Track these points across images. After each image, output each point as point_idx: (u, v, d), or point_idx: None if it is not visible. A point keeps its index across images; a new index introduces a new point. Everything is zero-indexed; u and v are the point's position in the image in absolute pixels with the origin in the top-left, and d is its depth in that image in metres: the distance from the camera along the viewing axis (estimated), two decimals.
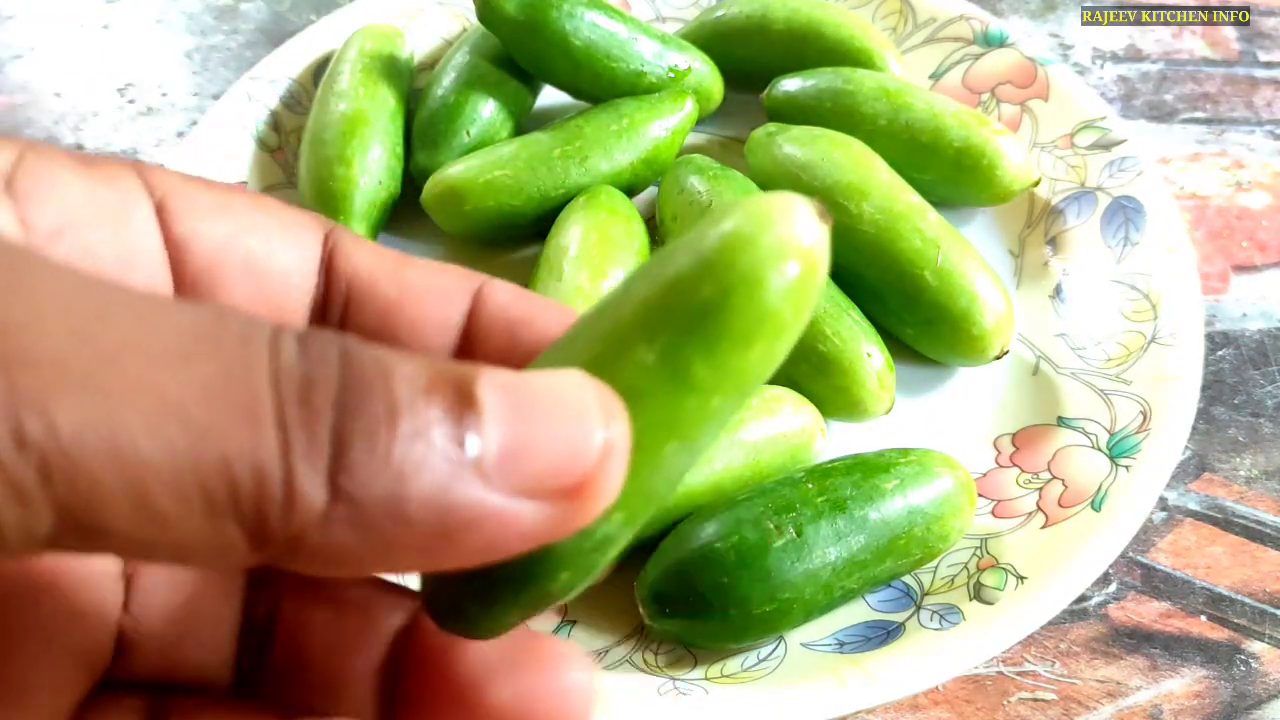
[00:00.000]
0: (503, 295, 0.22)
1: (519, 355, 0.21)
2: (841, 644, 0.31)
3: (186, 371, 0.13)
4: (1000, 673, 0.33)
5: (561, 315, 0.22)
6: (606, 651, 0.32)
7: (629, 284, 0.17)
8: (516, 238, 0.42)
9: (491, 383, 0.15)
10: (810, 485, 0.31)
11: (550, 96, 0.46)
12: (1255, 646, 0.33)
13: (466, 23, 0.48)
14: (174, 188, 0.20)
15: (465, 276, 0.22)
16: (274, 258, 0.21)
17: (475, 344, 0.22)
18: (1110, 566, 0.33)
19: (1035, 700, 0.32)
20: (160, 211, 0.20)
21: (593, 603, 0.33)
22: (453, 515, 0.14)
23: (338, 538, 0.14)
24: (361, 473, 0.13)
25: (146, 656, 0.20)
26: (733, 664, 0.31)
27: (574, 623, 0.33)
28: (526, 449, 0.15)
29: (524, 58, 0.43)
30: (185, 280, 0.20)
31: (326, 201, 0.41)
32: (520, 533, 0.15)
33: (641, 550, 0.32)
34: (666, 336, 0.17)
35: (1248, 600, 0.34)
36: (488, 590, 0.17)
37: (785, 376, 0.36)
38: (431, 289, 0.22)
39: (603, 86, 0.42)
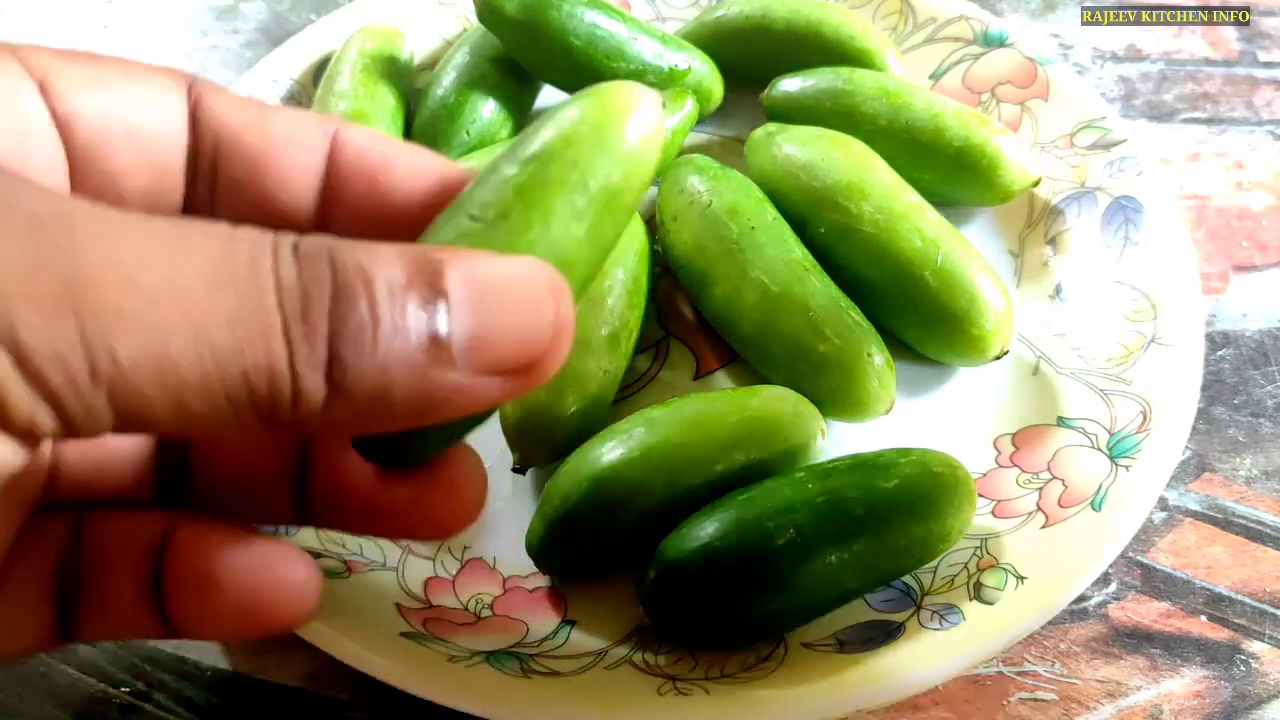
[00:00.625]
0: (359, 139, 0.24)
1: (378, 198, 0.24)
2: (841, 644, 0.31)
3: (210, 302, 0.16)
4: (1000, 673, 0.33)
5: (415, 159, 0.24)
6: (606, 651, 0.32)
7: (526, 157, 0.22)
8: None
9: (457, 273, 0.18)
10: (810, 485, 0.31)
11: (550, 96, 0.46)
12: (1255, 646, 0.33)
13: (466, 23, 0.49)
14: (51, 66, 0.22)
15: (322, 123, 0.24)
16: (148, 122, 0.22)
17: (338, 189, 0.24)
18: (1110, 566, 0.33)
19: (1035, 700, 0.32)
20: (43, 91, 0.21)
21: (593, 603, 0.33)
22: (427, 396, 0.17)
23: (335, 418, 0.17)
24: (352, 371, 0.17)
25: (71, 484, 0.23)
26: (733, 664, 0.31)
27: (574, 623, 0.33)
28: (490, 337, 0.18)
29: (524, 58, 0.43)
30: (75, 152, 0.22)
31: None
32: (483, 403, 0.18)
33: (642, 550, 0.32)
34: (591, 217, 0.22)
35: (1248, 600, 0.34)
36: (419, 437, 0.21)
37: (785, 376, 0.36)
38: (293, 139, 0.24)
39: None
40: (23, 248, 0.15)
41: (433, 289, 0.18)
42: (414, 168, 0.24)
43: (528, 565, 0.33)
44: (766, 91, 0.44)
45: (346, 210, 0.24)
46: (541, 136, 0.22)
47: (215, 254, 0.16)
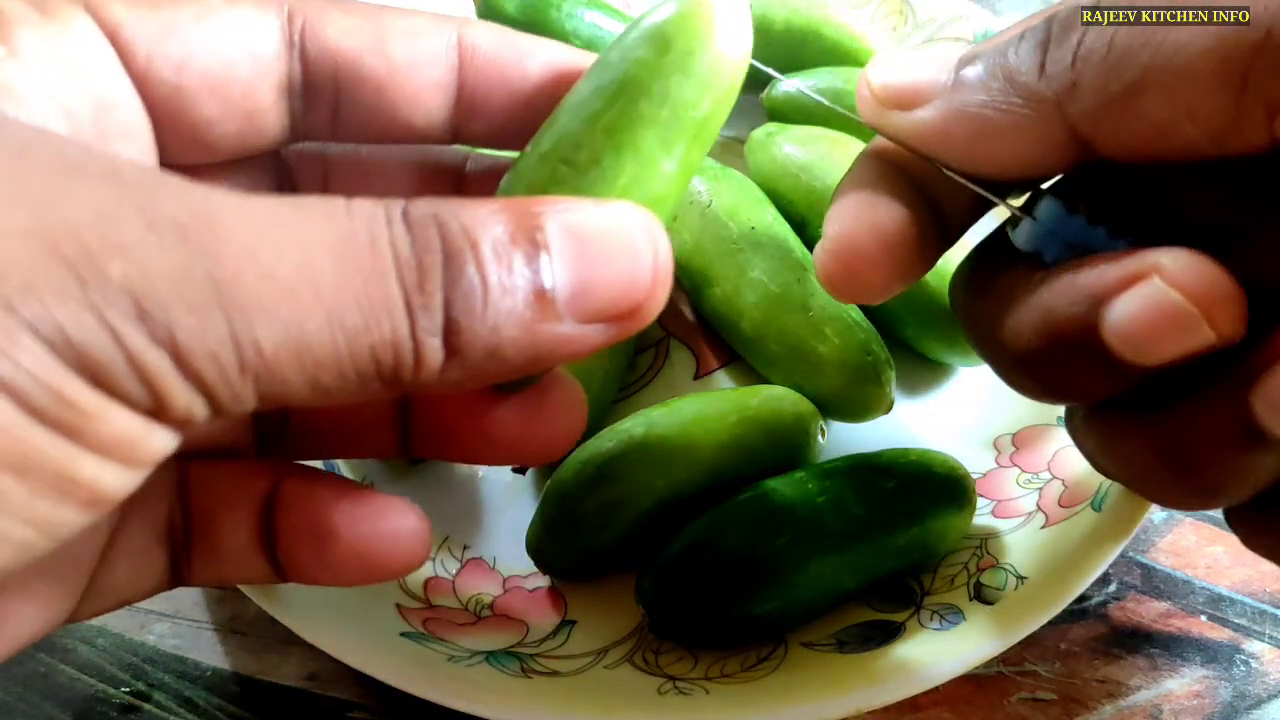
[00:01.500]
0: (486, 45, 0.24)
1: (514, 101, 0.24)
2: (841, 644, 0.31)
3: (340, 285, 0.17)
4: (1000, 673, 0.33)
5: (547, 55, 0.25)
6: (606, 651, 0.32)
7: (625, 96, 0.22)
8: None
9: (555, 225, 0.18)
10: (810, 485, 0.31)
11: None
12: (1255, 646, 0.33)
13: None
14: (123, 18, 0.21)
15: (443, 29, 0.24)
16: (233, 66, 0.22)
17: (471, 99, 0.24)
18: (1110, 566, 0.33)
19: (1035, 700, 0.32)
20: (116, 46, 0.21)
21: (593, 603, 0.33)
22: (536, 349, 0.18)
23: (451, 378, 0.18)
24: (467, 333, 0.18)
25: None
26: (733, 664, 0.30)
27: (574, 622, 0.33)
28: (591, 286, 0.19)
29: None
30: (156, 108, 0.22)
31: None
32: (587, 350, 0.19)
33: (642, 551, 0.32)
34: (681, 150, 0.22)
35: (1248, 600, 0.34)
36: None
37: (785, 376, 0.36)
38: (418, 59, 0.24)
39: None
40: (174, 255, 0.16)
41: (534, 244, 0.18)
42: (549, 65, 0.25)
43: (528, 565, 0.33)
44: (766, 91, 0.44)
45: (482, 117, 0.25)
46: (627, 62, 0.22)
47: (339, 235, 0.17)
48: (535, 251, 0.18)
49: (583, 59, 0.25)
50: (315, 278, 0.17)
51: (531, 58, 0.25)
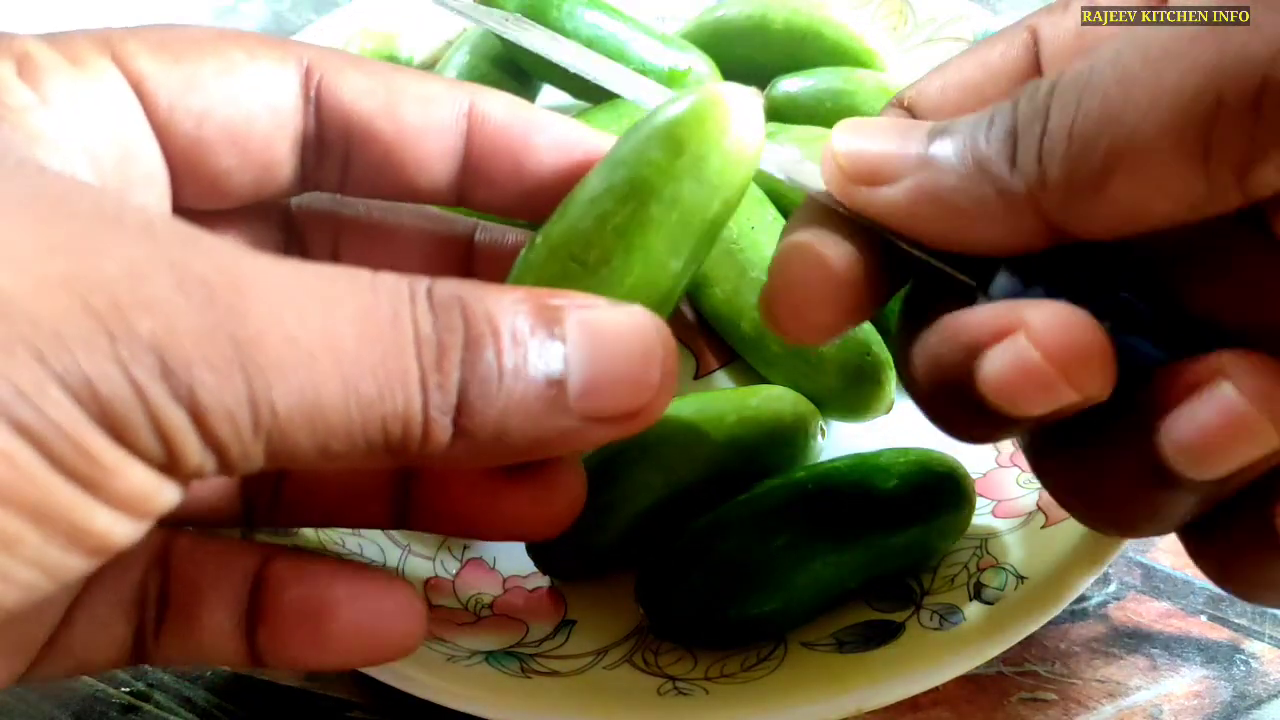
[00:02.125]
0: (497, 116, 0.25)
1: (519, 174, 0.25)
2: (841, 644, 0.31)
3: (359, 355, 0.17)
4: (1000, 673, 0.33)
5: (557, 134, 0.25)
6: (606, 651, 0.32)
7: (631, 197, 0.22)
8: None
9: (575, 321, 0.19)
10: (810, 485, 0.31)
11: (550, 96, 0.46)
12: (1255, 646, 0.33)
13: (467, 23, 0.48)
14: (147, 69, 0.22)
15: (456, 98, 0.25)
16: (253, 120, 0.23)
17: (477, 167, 0.25)
18: (1110, 566, 0.33)
19: (1035, 700, 0.32)
20: (140, 95, 0.22)
21: (593, 603, 0.33)
22: (541, 439, 0.19)
23: (457, 455, 0.18)
24: (478, 417, 0.18)
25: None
26: (733, 664, 0.30)
27: (574, 622, 0.33)
28: (602, 386, 0.19)
29: (524, 58, 0.43)
30: (175, 158, 0.22)
31: None
32: (589, 445, 0.20)
33: (642, 550, 0.32)
34: (689, 251, 0.23)
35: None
36: None
37: (785, 376, 0.36)
38: (428, 125, 0.24)
39: (603, 86, 0.42)
40: (201, 314, 0.16)
41: (552, 336, 0.19)
42: (556, 142, 0.25)
43: (528, 565, 0.33)
44: (766, 91, 0.44)
45: (486, 186, 0.25)
46: (640, 162, 0.22)
47: (362, 306, 0.17)
48: (553, 344, 0.19)
49: (592, 138, 0.25)
50: (335, 345, 0.17)
51: (541, 133, 0.25)
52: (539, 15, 0.41)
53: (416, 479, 0.25)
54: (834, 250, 0.23)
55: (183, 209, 0.24)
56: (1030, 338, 0.19)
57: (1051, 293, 0.21)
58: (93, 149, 0.21)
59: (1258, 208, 0.20)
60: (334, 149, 0.24)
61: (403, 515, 0.26)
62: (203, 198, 0.23)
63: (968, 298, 0.22)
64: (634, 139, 0.23)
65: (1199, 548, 0.23)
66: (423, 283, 0.18)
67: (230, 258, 0.17)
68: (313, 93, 0.23)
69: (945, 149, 0.21)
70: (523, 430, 0.19)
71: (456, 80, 0.25)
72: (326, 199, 0.27)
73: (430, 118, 0.24)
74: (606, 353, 0.19)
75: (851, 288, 0.23)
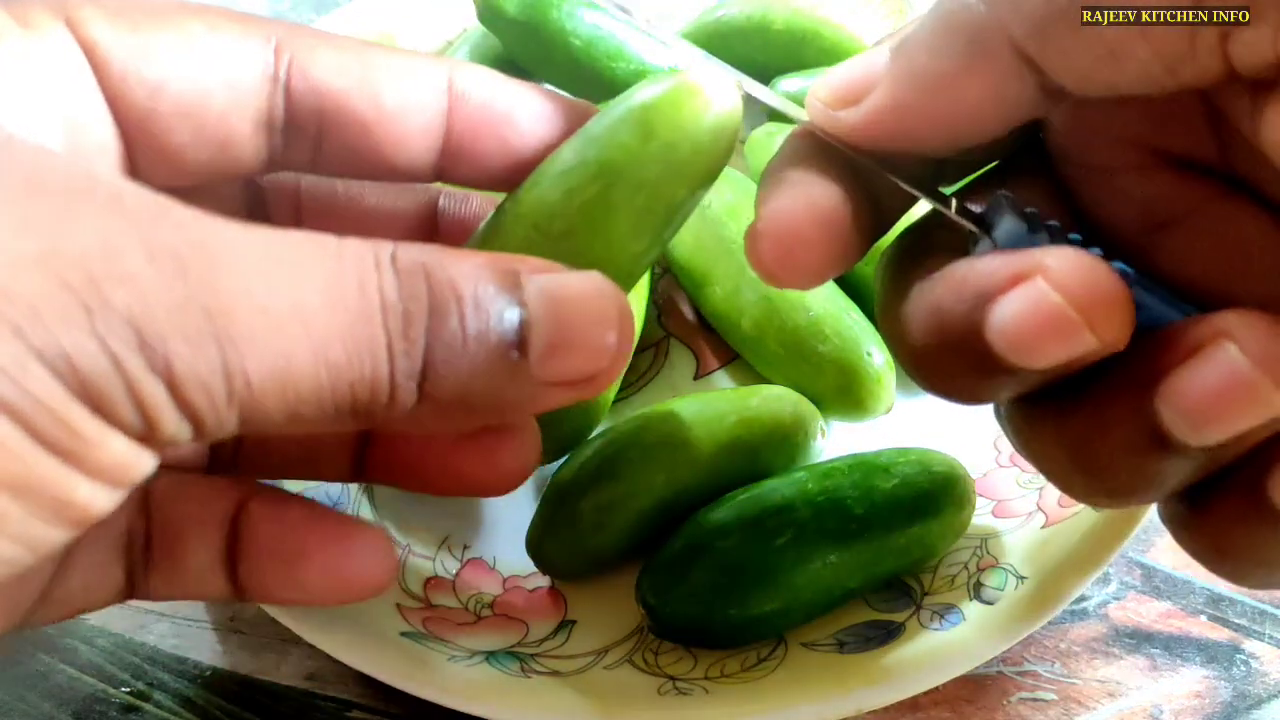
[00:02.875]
0: (478, 93, 0.24)
1: (501, 150, 0.24)
2: (841, 644, 0.31)
3: (328, 323, 0.17)
4: (1000, 673, 0.33)
5: (538, 107, 0.25)
6: (606, 651, 0.32)
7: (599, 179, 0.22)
8: None
9: (535, 287, 0.19)
10: (810, 485, 0.31)
11: None
12: (1255, 646, 0.33)
13: (466, 23, 0.48)
14: (102, 35, 0.21)
15: (435, 74, 0.24)
16: (208, 98, 0.22)
17: (458, 144, 0.24)
18: (1110, 566, 0.33)
19: (1035, 700, 0.32)
20: (92, 62, 0.21)
21: (593, 603, 0.33)
22: (501, 403, 0.19)
23: (420, 419, 0.19)
24: (442, 382, 0.18)
25: None
26: (733, 664, 0.30)
27: (574, 622, 0.33)
28: (561, 350, 0.19)
29: (524, 58, 0.43)
30: (128, 129, 0.22)
31: None
32: (547, 408, 0.20)
33: (642, 550, 0.32)
34: (651, 233, 0.23)
35: (1248, 600, 0.34)
36: None
37: (785, 376, 0.36)
38: (407, 104, 0.24)
39: (603, 86, 0.42)
40: (173, 286, 0.16)
41: (514, 302, 0.19)
42: (538, 115, 0.25)
43: (528, 565, 0.33)
44: None
45: (467, 162, 0.25)
46: (612, 143, 0.22)
47: (329, 275, 0.18)
48: (514, 309, 0.19)
49: (573, 110, 0.25)
50: (305, 314, 0.17)
51: (522, 107, 0.25)
52: (539, 15, 0.41)
53: (374, 436, 0.26)
54: (820, 189, 0.22)
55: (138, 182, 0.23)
56: (1050, 281, 0.18)
57: (1056, 239, 0.20)
58: (42, 114, 0.21)
59: (1246, 166, 0.19)
60: (305, 129, 0.23)
61: (360, 469, 0.26)
62: (157, 172, 0.23)
63: (960, 250, 0.22)
64: (609, 117, 0.23)
65: (1186, 523, 0.22)
66: (387, 248, 0.18)
67: (200, 228, 0.17)
68: (282, 71, 0.23)
69: (914, 29, 0.21)
70: (484, 394, 0.19)
71: (432, 55, 0.25)
72: (291, 175, 0.27)
73: (409, 95, 0.24)
74: (565, 318, 0.19)
75: (840, 227, 0.22)
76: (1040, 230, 0.20)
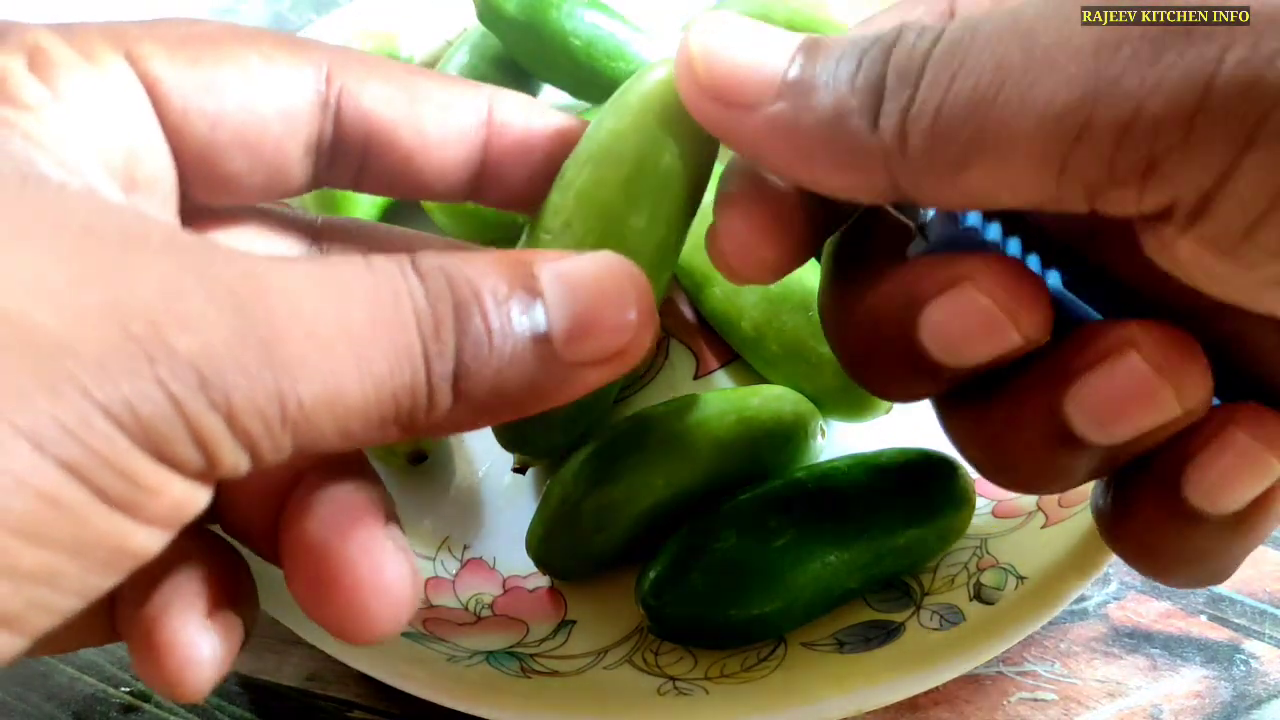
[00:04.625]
0: (517, 124, 0.25)
1: (533, 172, 0.25)
2: (841, 644, 0.31)
3: (370, 338, 0.18)
4: (1000, 673, 0.33)
5: (572, 134, 0.25)
6: (606, 651, 0.32)
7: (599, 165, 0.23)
8: (518, 238, 0.42)
9: (547, 273, 0.20)
10: (810, 485, 0.31)
11: (550, 97, 0.46)
12: (1255, 646, 0.33)
13: (466, 23, 0.49)
14: (162, 71, 0.22)
15: (475, 105, 0.25)
16: (267, 127, 0.23)
17: (493, 170, 0.25)
18: (1110, 566, 0.33)
19: (1035, 700, 0.32)
20: (153, 97, 0.22)
21: (593, 603, 0.33)
22: (535, 390, 0.20)
23: (460, 418, 0.19)
24: (475, 378, 0.19)
25: None
26: (733, 664, 0.30)
27: (574, 622, 0.33)
28: (584, 332, 0.20)
29: (524, 58, 0.43)
30: (186, 161, 0.23)
31: (328, 201, 0.41)
32: (583, 390, 0.20)
33: (642, 550, 0.32)
34: (649, 206, 0.23)
35: (1248, 600, 0.34)
36: (539, 423, 0.24)
37: (785, 376, 0.36)
38: (448, 134, 0.25)
39: (603, 86, 0.42)
40: (230, 324, 0.17)
41: (530, 291, 0.20)
42: (570, 139, 0.25)
43: (528, 565, 0.33)
44: None
45: (500, 188, 0.26)
46: (600, 130, 0.23)
47: (366, 291, 0.18)
48: (532, 299, 0.19)
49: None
50: (350, 332, 0.18)
51: (554, 138, 0.26)
52: (539, 15, 0.41)
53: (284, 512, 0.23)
54: (773, 189, 0.23)
55: (189, 206, 0.24)
56: (978, 287, 0.20)
57: (984, 231, 0.21)
58: (102, 148, 0.21)
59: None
60: (350, 153, 0.24)
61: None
62: (211, 196, 0.24)
63: (896, 247, 0.23)
64: (600, 112, 0.24)
65: (1112, 527, 0.23)
66: (407, 259, 0.19)
67: (248, 263, 0.18)
68: (333, 99, 0.24)
69: (808, 85, 0.21)
70: (518, 385, 0.19)
71: (473, 83, 0.25)
72: None
73: (450, 126, 0.25)
74: (582, 299, 0.20)
75: (795, 225, 0.23)
76: (971, 227, 0.21)
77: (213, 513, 0.23)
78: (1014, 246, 0.21)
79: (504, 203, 0.26)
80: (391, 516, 0.22)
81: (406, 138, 0.24)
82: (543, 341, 0.19)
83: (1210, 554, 0.22)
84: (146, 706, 0.32)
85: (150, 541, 0.17)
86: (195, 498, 0.17)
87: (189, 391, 0.16)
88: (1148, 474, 0.22)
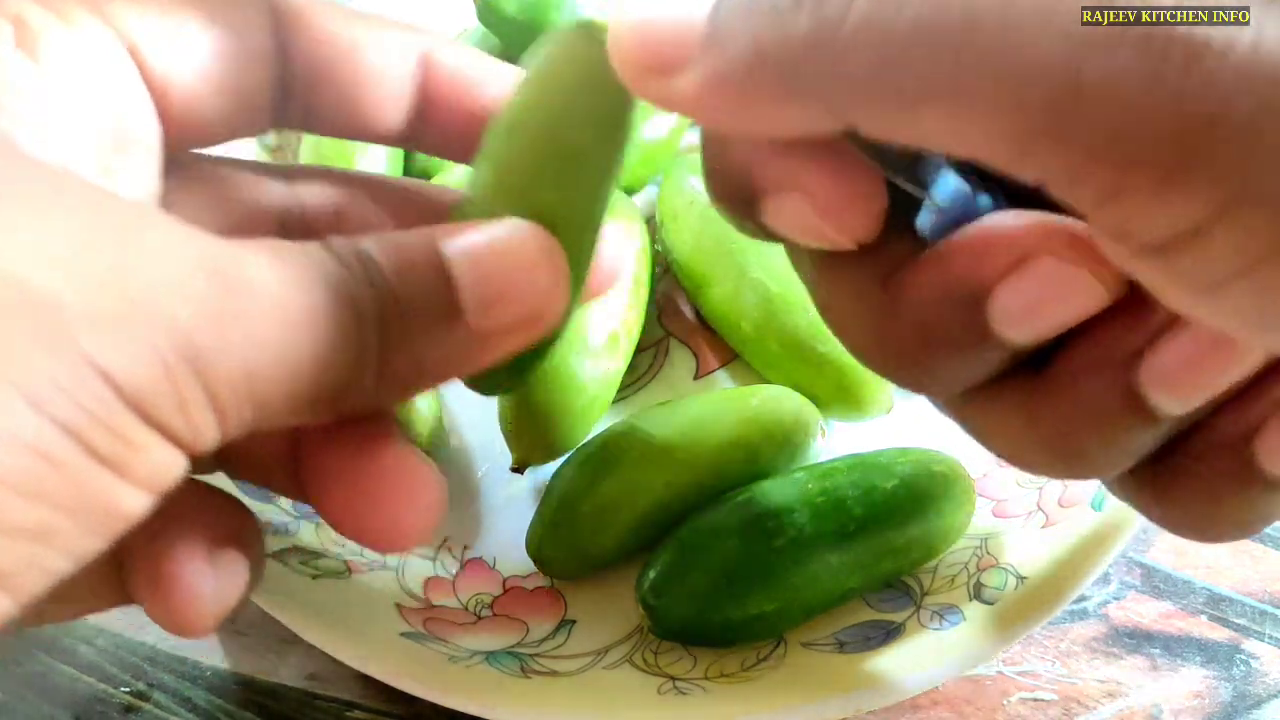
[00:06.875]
0: (450, 65, 0.26)
1: (467, 118, 0.25)
2: (841, 644, 0.31)
3: (313, 320, 0.19)
4: (1000, 673, 0.33)
5: (505, 82, 0.26)
6: (606, 651, 0.32)
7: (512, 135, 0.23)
8: None
9: (452, 248, 0.20)
10: (810, 485, 0.31)
11: None
12: (1255, 646, 0.33)
13: (466, 23, 0.48)
14: (138, 30, 0.22)
15: (411, 48, 0.25)
16: (241, 70, 0.24)
17: (428, 111, 0.26)
18: (1110, 566, 0.33)
19: (1035, 700, 0.32)
20: (134, 57, 0.22)
21: (593, 603, 0.33)
22: (455, 361, 0.21)
23: (387, 398, 0.21)
24: (394, 358, 0.20)
25: None
26: (733, 664, 0.30)
27: (574, 622, 0.33)
28: (494, 303, 0.20)
29: (522, 58, 0.43)
30: (170, 117, 0.23)
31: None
32: (502, 355, 0.21)
33: (642, 550, 0.32)
34: (553, 176, 0.22)
35: (1248, 600, 0.34)
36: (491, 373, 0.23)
37: (785, 376, 0.36)
38: (385, 72, 0.25)
39: None
40: (218, 297, 0.18)
41: (437, 268, 0.20)
42: (504, 89, 0.25)
43: (528, 565, 0.33)
44: None
45: (434, 131, 0.26)
46: (512, 101, 0.23)
47: (311, 279, 0.19)
48: (439, 274, 0.20)
49: None
50: (301, 313, 0.19)
51: (489, 85, 0.26)
52: (539, 15, 0.41)
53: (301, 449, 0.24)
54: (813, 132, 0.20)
55: (170, 154, 0.24)
56: (1055, 253, 0.19)
57: (996, 196, 0.20)
58: (90, 112, 0.22)
59: None
60: (298, 92, 0.25)
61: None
62: (189, 143, 0.24)
63: (913, 204, 0.21)
64: (519, 80, 0.23)
65: (1167, 500, 0.22)
66: (330, 244, 0.20)
67: (227, 244, 0.19)
68: (282, 37, 0.24)
69: (724, 25, 0.18)
70: (434, 358, 0.20)
71: (417, 28, 0.26)
72: None
73: (387, 65, 0.25)
74: (489, 269, 0.20)
75: (855, 158, 0.21)
76: (979, 187, 0.20)
77: (221, 463, 0.25)
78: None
79: (441, 150, 0.27)
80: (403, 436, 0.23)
81: (345, 74, 0.25)
82: (455, 314, 0.20)
83: (1273, 514, 0.22)
84: (146, 706, 0.32)
85: (136, 503, 0.18)
86: (176, 463, 0.18)
87: (179, 359, 0.17)
88: (1208, 441, 0.21)
